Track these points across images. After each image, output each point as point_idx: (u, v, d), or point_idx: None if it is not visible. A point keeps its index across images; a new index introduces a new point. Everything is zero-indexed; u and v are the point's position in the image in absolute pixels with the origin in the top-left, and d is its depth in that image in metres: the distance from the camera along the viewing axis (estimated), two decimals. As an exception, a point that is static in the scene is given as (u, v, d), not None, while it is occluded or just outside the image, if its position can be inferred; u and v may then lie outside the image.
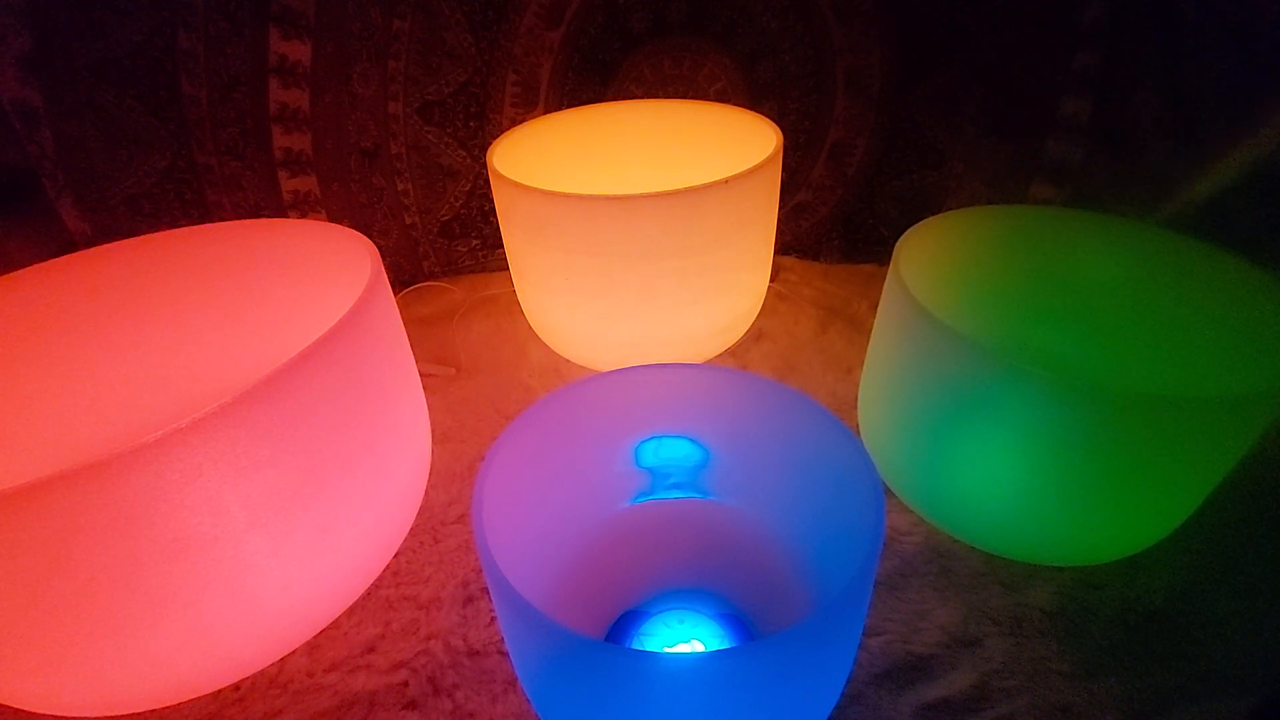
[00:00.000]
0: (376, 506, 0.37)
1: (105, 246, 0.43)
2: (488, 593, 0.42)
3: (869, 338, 0.45)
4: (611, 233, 0.47)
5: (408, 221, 0.69)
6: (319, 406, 0.32)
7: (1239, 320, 0.40)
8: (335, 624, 0.40)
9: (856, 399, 0.48)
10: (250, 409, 0.28)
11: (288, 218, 0.64)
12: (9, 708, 0.33)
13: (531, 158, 0.57)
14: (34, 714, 0.33)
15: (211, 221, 0.47)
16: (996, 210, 0.48)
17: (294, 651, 0.39)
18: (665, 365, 0.35)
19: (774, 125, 0.53)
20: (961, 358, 0.36)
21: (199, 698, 0.37)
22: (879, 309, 0.44)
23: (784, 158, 0.53)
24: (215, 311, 0.47)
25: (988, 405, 0.36)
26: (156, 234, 0.44)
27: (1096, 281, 0.46)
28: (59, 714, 0.32)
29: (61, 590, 0.27)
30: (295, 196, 0.64)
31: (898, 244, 0.42)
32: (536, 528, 0.35)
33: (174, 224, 0.59)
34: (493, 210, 0.69)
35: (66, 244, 0.60)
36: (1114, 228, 0.45)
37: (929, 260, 0.44)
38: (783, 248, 0.73)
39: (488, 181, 0.58)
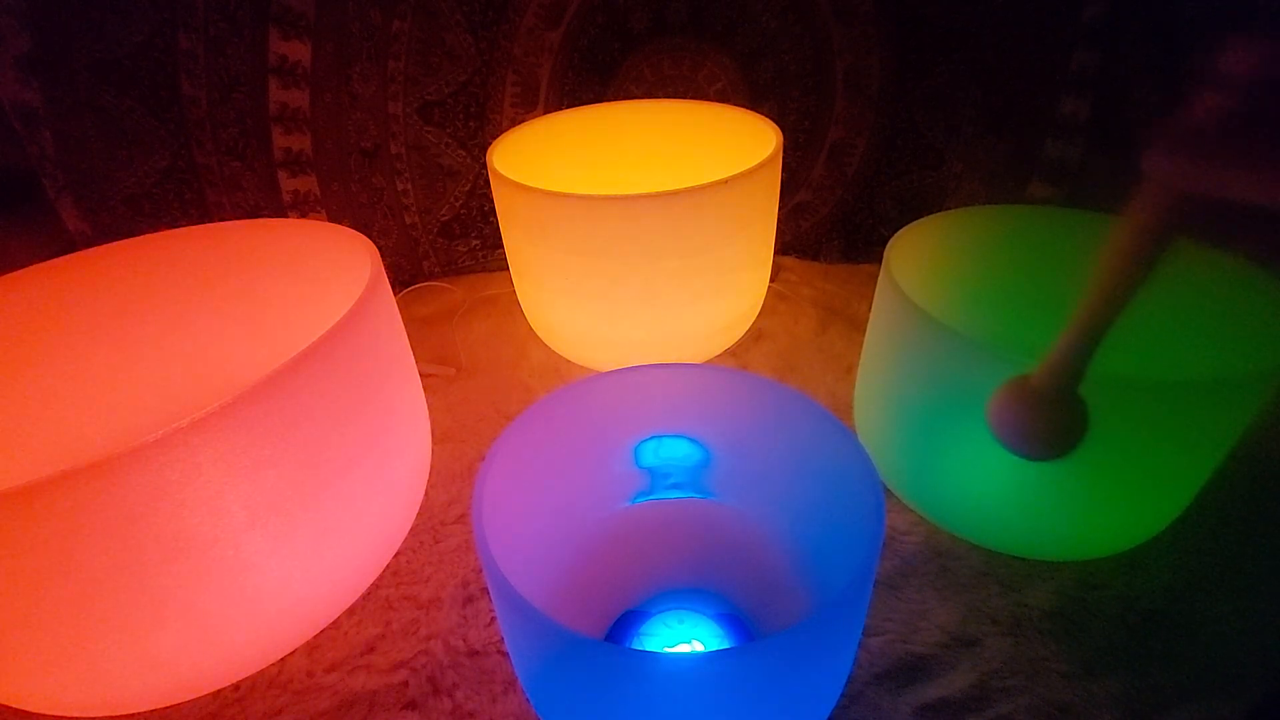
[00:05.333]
0: (376, 506, 0.37)
1: (105, 246, 0.43)
2: (488, 593, 0.42)
3: (869, 338, 0.46)
4: (611, 233, 0.47)
5: (408, 221, 0.69)
6: (319, 406, 0.32)
7: (1231, 314, 0.40)
8: (335, 624, 0.40)
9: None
10: (250, 409, 0.28)
11: (288, 218, 0.64)
12: (9, 708, 0.33)
13: (531, 158, 0.57)
14: (34, 714, 0.33)
15: (211, 221, 0.47)
16: (989, 210, 0.48)
17: (294, 651, 0.39)
18: (665, 365, 0.35)
19: (774, 125, 0.53)
20: (953, 352, 0.36)
21: (199, 698, 0.37)
22: (872, 309, 0.44)
23: (784, 158, 0.53)
24: (215, 311, 0.47)
25: (981, 399, 0.36)
26: (156, 234, 0.44)
27: (1087, 279, 0.47)
28: (59, 714, 0.32)
29: (62, 590, 0.27)
30: (295, 196, 0.64)
31: (889, 244, 0.42)
32: (536, 528, 0.35)
33: (174, 224, 0.59)
34: (493, 210, 0.69)
35: (66, 244, 0.60)
36: (1109, 226, 0.45)
37: (921, 260, 0.45)
38: (783, 248, 0.73)
39: (488, 181, 0.58)
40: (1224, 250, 0.26)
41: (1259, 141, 0.20)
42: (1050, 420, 0.28)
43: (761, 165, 0.47)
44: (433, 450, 0.46)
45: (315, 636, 0.39)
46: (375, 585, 0.42)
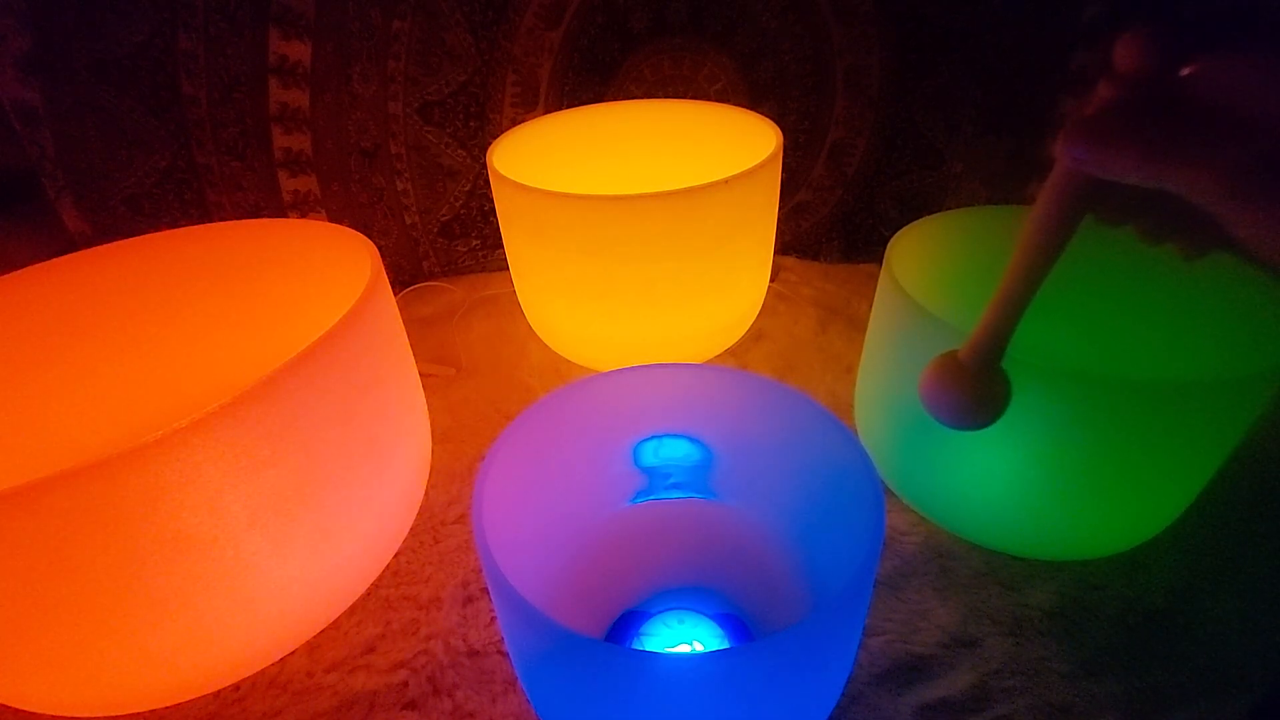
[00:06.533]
0: (376, 506, 0.37)
1: (105, 246, 0.43)
2: (488, 593, 0.42)
3: (869, 338, 0.46)
4: (611, 233, 0.47)
5: (408, 221, 0.69)
6: (319, 406, 0.32)
7: (1231, 312, 0.40)
8: (335, 624, 0.40)
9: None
10: (250, 409, 0.28)
11: (288, 218, 0.64)
12: (9, 708, 0.33)
13: (531, 158, 0.57)
14: (34, 714, 0.33)
15: (211, 221, 0.47)
16: (989, 210, 0.48)
17: (294, 651, 0.39)
18: (665, 365, 0.35)
19: (774, 125, 0.53)
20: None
21: (199, 698, 0.37)
22: (873, 308, 0.44)
23: (784, 158, 0.53)
24: (215, 311, 0.47)
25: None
26: (156, 234, 0.44)
27: (1088, 278, 0.47)
28: (59, 714, 0.32)
29: (61, 590, 0.27)
30: (295, 196, 0.64)
31: (890, 243, 0.42)
32: (536, 528, 0.35)
33: (174, 224, 0.59)
34: (493, 210, 0.69)
35: (66, 244, 0.60)
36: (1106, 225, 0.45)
37: (922, 259, 0.45)
38: (783, 248, 0.73)
39: (488, 181, 0.58)
40: (1123, 227, 0.29)
41: (1144, 131, 0.22)
42: (975, 392, 0.30)
43: (761, 165, 0.47)
44: (433, 450, 0.46)
45: (315, 636, 0.39)
46: (375, 585, 0.42)
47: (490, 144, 0.54)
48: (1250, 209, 0.20)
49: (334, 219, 0.66)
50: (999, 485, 0.38)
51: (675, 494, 0.39)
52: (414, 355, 0.43)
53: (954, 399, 0.30)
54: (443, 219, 0.69)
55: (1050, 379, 0.33)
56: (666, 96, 0.65)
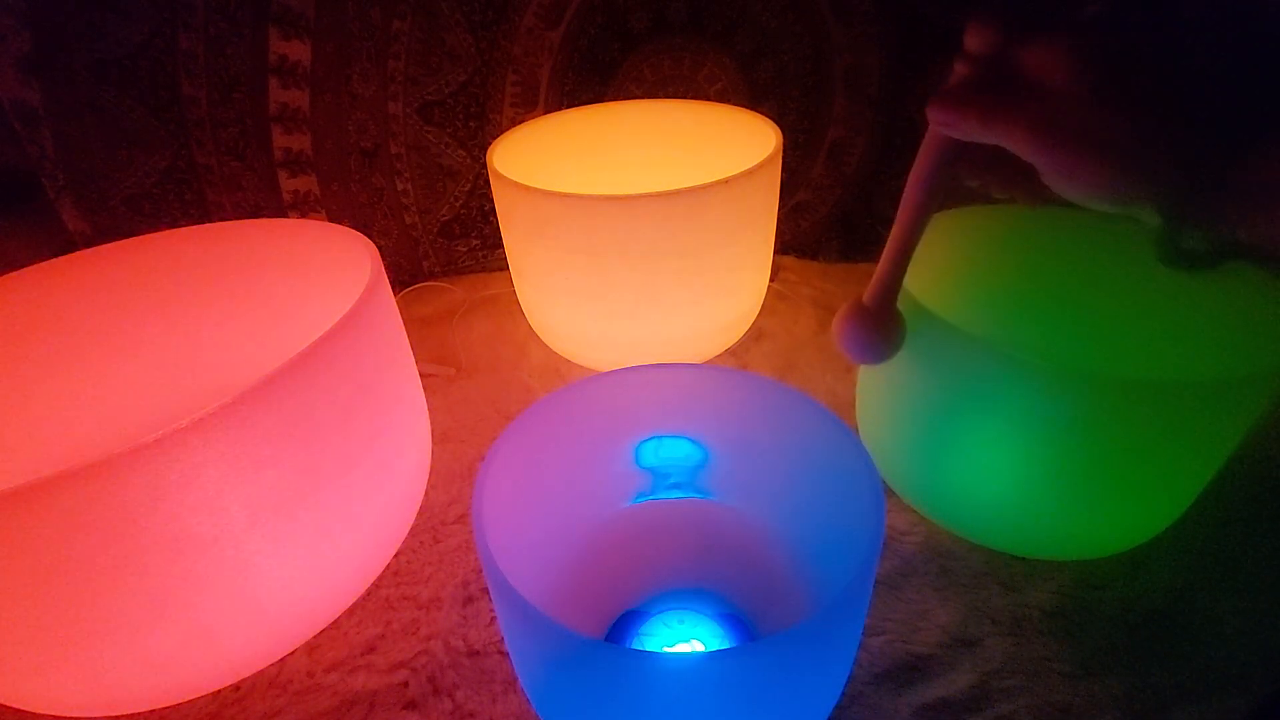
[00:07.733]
0: (376, 506, 0.37)
1: (105, 246, 0.43)
2: (488, 593, 0.42)
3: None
4: (611, 233, 0.47)
5: (408, 221, 0.69)
6: (319, 406, 0.32)
7: (1231, 312, 0.40)
8: (335, 624, 0.40)
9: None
10: (250, 409, 0.28)
11: (288, 218, 0.64)
12: (9, 708, 0.33)
13: (531, 158, 0.57)
14: (34, 714, 0.33)
15: (211, 221, 0.47)
16: (988, 210, 0.48)
17: (294, 651, 0.39)
18: (665, 365, 0.35)
19: (774, 125, 0.53)
20: (954, 349, 0.36)
21: (199, 698, 0.37)
22: None
23: (784, 158, 0.53)
24: (215, 311, 0.47)
25: (984, 397, 0.36)
26: (156, 234, 0.44)
27: (1089, 278, 0.47)
28: (59, 714, 0.32)
29: (62, 590, 0.27)
30: (295, 196, 0.64)
31: None
32: (536, 528, 0.35)
33: (174, 224, 0.59)
34: (493, 210, 0.69)
35: (66, 244, 0.60)
36: (1106, 224, 0.45)
37: (921, 258, 0.45)
38: (782, 247, 0.73)
39: (488, 181, 0.58)
40: (982, 186, 0.34)
41: (979, 98, 0.28)
42: (877, 331, 0.37)
43: (761, 165, 0.47)
44: (433, 450, 0.46)
45: (315, 636, 0.39)
46: (375, 585, 0.42)
47: (490, 144, 0.54)
48: (1046, 155, 0.26)
49: (334, 219, 0.66)
50: (999, 485, 0.38)
51: (675, 494, 0.39)
52: (414, 355, 0.43)
53: (861, 337, 0.37)
54: (443, 219, 0.69)
55: (1051, 378, 0.33)
56: (666, 96, 0.65)
